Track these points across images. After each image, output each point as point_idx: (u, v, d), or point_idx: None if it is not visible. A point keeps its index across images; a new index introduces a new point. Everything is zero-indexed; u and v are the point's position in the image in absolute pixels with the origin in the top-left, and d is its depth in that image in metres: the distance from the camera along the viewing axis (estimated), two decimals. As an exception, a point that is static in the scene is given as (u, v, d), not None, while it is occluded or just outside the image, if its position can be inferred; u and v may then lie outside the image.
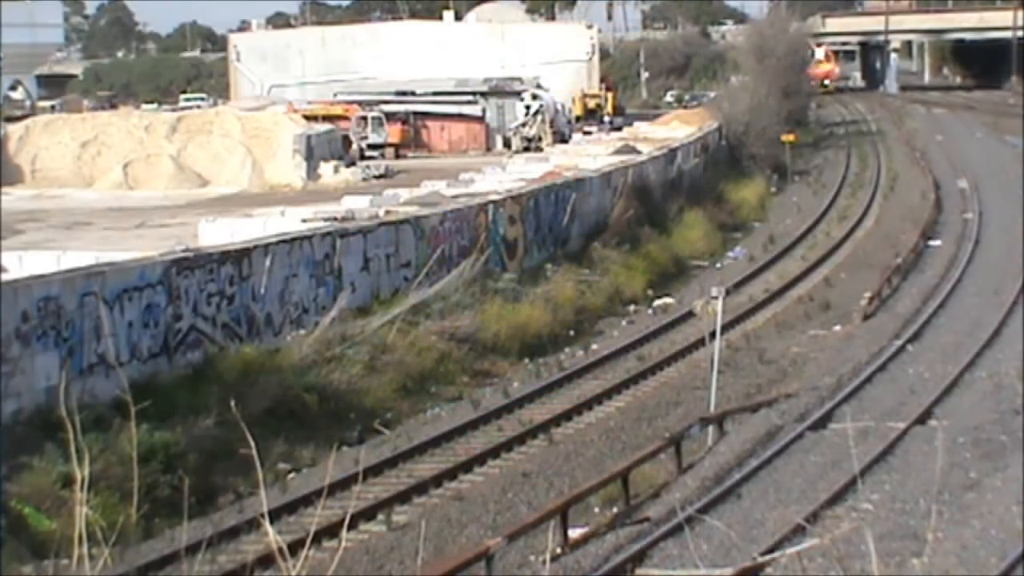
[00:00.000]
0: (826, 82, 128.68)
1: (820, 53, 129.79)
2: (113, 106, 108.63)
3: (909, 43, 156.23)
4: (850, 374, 29.23)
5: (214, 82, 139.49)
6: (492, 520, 21.88)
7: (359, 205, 41.26)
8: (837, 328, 35.15)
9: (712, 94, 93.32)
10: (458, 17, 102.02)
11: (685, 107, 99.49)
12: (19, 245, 39.42)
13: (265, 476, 22.88)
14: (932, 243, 46.69)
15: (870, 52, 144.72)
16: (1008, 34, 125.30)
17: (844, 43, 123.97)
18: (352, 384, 27.95)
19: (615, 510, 21.61)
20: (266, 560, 18.80)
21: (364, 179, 61.74)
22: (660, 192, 51.61)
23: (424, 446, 25.53)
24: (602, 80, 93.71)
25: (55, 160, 65.11)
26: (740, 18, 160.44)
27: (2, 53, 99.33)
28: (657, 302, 39.67)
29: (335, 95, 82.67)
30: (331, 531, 20.21)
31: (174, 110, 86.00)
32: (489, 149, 79.55)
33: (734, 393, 29.05)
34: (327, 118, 73.01)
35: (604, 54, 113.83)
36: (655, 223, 47.60)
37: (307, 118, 68.98)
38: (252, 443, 9.28)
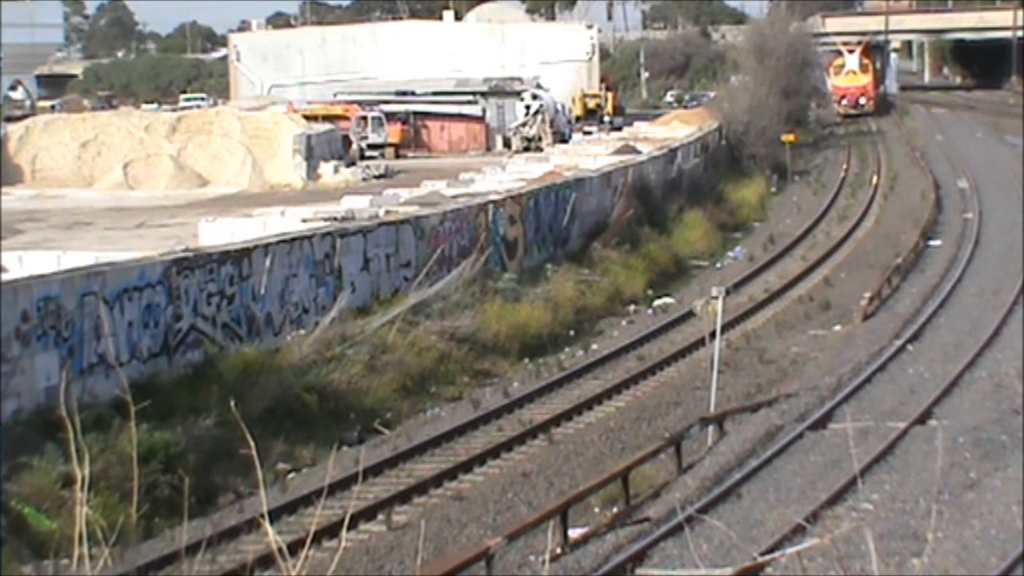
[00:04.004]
0: (861, 100, 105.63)
1: (853, 60, 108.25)
2: (112, 106, 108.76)
3: (909, 43, 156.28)
4: (850, 374, 29.21)
5: (214, 82, 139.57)
6: (492, 520, 21.86)
7: (359, 205, 41.25)
8: (837, 328, 35.13)
9: (712, 94, 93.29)
10: (458, 17, 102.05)
11: (685, 107, 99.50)
12: (19, 245, 39.42)
13: (265, 476, 22.88)
14: (932, 243, 46.69)
15: (870, 52, 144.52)
16: (1008, 34, 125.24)
17: (844, 43, 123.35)
18: (352, 384, 27.94)
19: (615, 510, 21.61)
20: (266, 560, 18.79)
21: (364, 179, 61.76)
22: (660, 192, 51.59)
23: (424, 446, 25.51)
24: (602, 80, 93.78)
25: (55, 160, 65.13)
26: (739, 18, 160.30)
27: (2, 53, 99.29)
28: (657, 302, 39.65)
29: (335, 95, 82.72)
30: (331, 531, 20.20)
31: (174, 110, 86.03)
32: (489, 149, 79.55)
33: (734, 393, 29.03)
34: (327, 118, 73.04)
35: (604, 54, 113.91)
36: (655, 223, 47.57)
37: (307, 118, 68.99)
38: (252, 443, 9.28)
